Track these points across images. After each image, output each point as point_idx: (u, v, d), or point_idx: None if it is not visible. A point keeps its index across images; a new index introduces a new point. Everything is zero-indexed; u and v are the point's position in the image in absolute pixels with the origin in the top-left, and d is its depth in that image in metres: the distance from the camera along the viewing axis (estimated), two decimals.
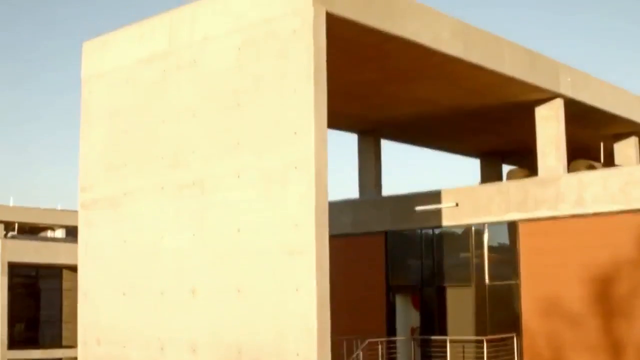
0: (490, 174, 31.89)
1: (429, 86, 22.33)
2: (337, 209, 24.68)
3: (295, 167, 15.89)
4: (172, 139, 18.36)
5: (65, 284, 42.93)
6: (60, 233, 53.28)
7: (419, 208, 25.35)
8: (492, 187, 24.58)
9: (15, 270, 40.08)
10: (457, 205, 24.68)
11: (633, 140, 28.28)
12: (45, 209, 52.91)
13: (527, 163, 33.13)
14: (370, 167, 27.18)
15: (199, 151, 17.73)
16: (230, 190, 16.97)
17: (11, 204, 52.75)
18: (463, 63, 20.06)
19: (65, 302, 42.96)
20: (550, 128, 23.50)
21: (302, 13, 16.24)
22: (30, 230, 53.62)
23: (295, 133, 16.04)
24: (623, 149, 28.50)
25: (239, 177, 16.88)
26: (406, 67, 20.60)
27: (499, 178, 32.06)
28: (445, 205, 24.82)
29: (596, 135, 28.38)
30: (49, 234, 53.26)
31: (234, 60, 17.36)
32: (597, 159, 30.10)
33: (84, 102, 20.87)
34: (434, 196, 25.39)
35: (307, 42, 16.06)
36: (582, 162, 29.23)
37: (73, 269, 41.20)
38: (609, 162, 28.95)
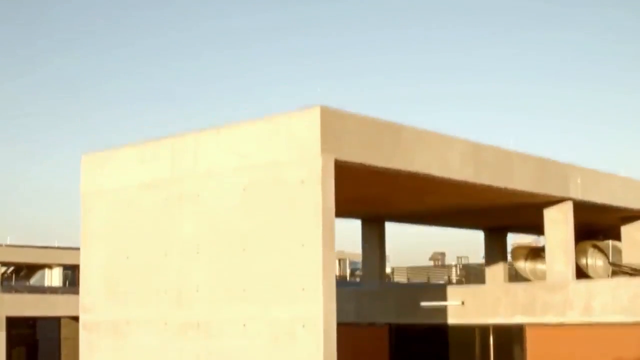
0: (494, 246, 31.52)
1: (436, 198, 21.99)
2: (341, 296, 24.25)
3: (303, 326, 15.52)
4: (175, 273, 17.94)
5: (64, 332, 42.59)
6: (57, 271, 52.81)
7: (424, 304, 24.94)
8: (499, 288, 24.20)
9: (14, 322, 39.70)
10: (463, 303, 24.28)
11: None
12: (41, 248, 52.46)
13: (533, 232, 32.80)
14: (374, 255, 26.79)
15: (204, 291, 17.31)
16: (237, 338, 16.58)
17: (8, 242, 52.27)
18: (473, 185, 19.67)
19: (63, 352, 42.63)
20: (558, 231, 23.10)
21: (309, 163, 15.81)
22: (28, 268, 53.18)
23: (303, 289, 15.66)
24: (630, 231, 28.07)
25: (245, 325, 16.49)
26: (414, 187, 20.20)
27: (504, 250, 31.75)
28: (451, 303, 24.43)
29: (603, 217, 28.00)
30: (46, 272, 52.77)
31: (239, 201, 16.93)
32: (604, 238, 29.84)
33: (83, 217, 20.44)
34: (440, 291, 25.03)
35: (315, 194, 15.64)
36: (587, 242, 28.94)
37: (71, 317, 41.03)
38: (614, 246, 28.63)
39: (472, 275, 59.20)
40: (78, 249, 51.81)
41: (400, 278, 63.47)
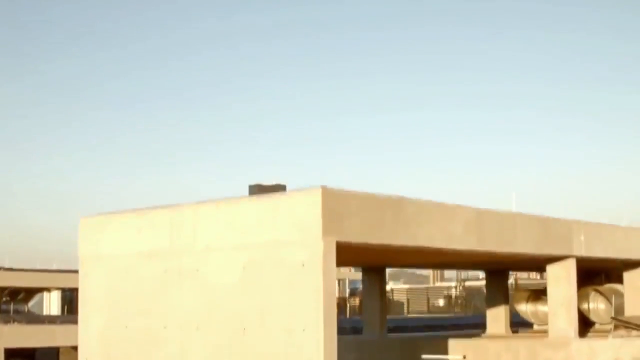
0: (495, 287, 31.28)
1: (439, 257, 21.81)
2: (342, 345, 24.06)
3: None
4: (176, 348, 17.71)
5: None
6: (55, 295, 52.62)
7: (425, 357, 24.72)
8: (500, 343, 23.97)
9: (12, 352, 39.48)
10: (464, 357, 24.07)
11: None
12: (39, 271, 52.25)
13: (534, 271, 32.55)
14: (375, 304, 26.55)
15: None
16: None
17: (6, 264, 52.05)
18: (475, 252, 19.48)
19: None
20: (561, 289, 22.90)
21: (310, 245, 15.58)
22: (26, 292, 52.97)
23: None
24: (633, 278, 27.83)
25: None
26: (416, 252, 19.98)
27: (505, 290, 31.52)
28: (453, 357, 24.20)
29: (605, 262, 27.77)
30: (45, 295, 52.56)
31: (239, 279, 16.70)
32: (606, 280, 29.65)
33: (81, 282, 20.23)
34: (441, 342, 24.78)
35: (316, 278, 15.42)
36: (589, 287, 28.76)
37: (71, 347, 40.86)
38: (616, 290, 28.39)
39: (473, 295, 59.19)
40: (76, 271, 51.53)
41: (399, 297, 63.34)
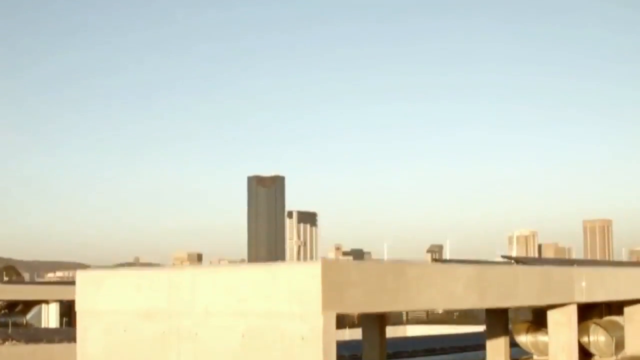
0: (495, 321, 31.05)
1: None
2: None
3: None
4: None
5: None
6: (54, 307, 52.55)
7: None
8: None
9: None
10: None
11: None
12: (37, 284, 52.19)
13: None
14: (374, 352, 26.34)
15: None
16: None
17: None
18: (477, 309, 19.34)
19: None
20: (562, 334, 22.80)
21: (310, 319, 15.43)
22: (24, 304, 52.90)
23: None
24: (633, 312, 27.72)
25: None
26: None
27: (505, 323, 31.29)
28: None
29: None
30: (43, 307, 52.48)
31: (239, 346, 16.56)
32: (606, 311, 29.49)
33: (79, 336, 20.11)
34: None
35: (316, 353, 15.29)
36: (589, 321, 28.63)
37: None
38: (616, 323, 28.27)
39: None
40: (74, 283, 51.23)
41: None
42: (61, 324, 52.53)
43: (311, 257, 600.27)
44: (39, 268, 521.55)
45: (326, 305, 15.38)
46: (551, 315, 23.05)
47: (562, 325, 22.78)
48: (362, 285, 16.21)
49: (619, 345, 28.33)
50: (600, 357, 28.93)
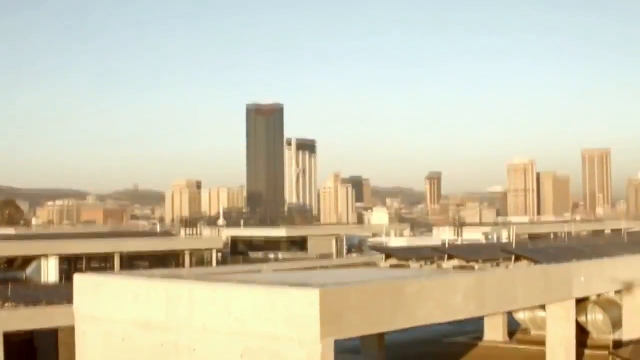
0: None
1: None
2: None
3: None
4: None
5: (61, 337, 42.44)
6: (53, 261, 52.68)
7: None
8: None
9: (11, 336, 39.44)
10: None
11: None
12: (38, 239, 52.39)
13: None
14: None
15: None
16: None
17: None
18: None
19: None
20: (560, 328, 22.78)
21: (309, 346, 15.36)
22: (23, 259, 53.01)
23: None
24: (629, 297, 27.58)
25: None
26: None
27: None
28: None
29: None
30: (42, 261, 52.59)
31: None
32: None
33: (78, 339, 20.09)
34: None
35: None
36: (587, 300, 28.68)
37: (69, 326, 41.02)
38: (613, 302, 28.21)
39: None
40: (73, 236, 51.52)
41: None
42: (60, 278, 52.68)
43: (310, 186, 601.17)
44: (38, 196, 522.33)
45: (324, 333, 15.29)
46: (549, 309, 23.00)
47: (561, 319, 22.76)
48: (360, 308, 16.09)
49: (616, 324, 28.37)
50: (597, 335, 29.03)
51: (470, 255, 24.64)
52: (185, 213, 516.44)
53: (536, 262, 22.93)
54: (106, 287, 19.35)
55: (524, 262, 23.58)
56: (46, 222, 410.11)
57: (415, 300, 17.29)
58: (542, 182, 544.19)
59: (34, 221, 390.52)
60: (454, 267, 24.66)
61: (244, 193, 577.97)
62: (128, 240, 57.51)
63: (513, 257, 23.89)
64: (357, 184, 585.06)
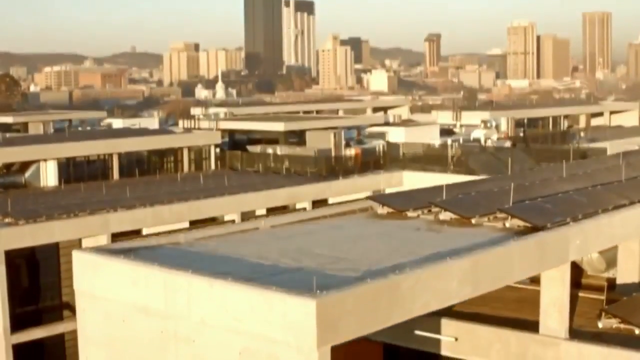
0: None
1: None
2: None
3: None
4: None
5: (62, 250, 43.03)
6: (52, 165, 52.77)
7: (418, 332, 25.22)
8: (492, 332, 24.36)
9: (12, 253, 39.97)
10: (456, 340, 24.59)
11: None
12: (34, 145, 52.47)
13: None
14: None
15: None
16: None
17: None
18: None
19: (63, 276, 43.22)
20: (554, 289, 23.03)
21: (306, 353, 15.64)
22: (22, 163, 53.07)
23: None
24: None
25: None
26: None
27: None
28: (445, 338, 24.73)
29: None
30: (41, 165, 52.67)
31: None
32: None
33: (79, 315, 20.43)
34: (435, 322, 25.21)
35: None
36: None
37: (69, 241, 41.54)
38: None
39: (469, 155, 59.19)
40: (71, 140, 51.41)
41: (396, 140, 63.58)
42: (60, 181, 52.93)
43: (309, 47, 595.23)
44: (35, 61, 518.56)
45: (321, 341, 15.54)
46: (544, 272, 23.20)
47: (555, 280, 22.97)
48: (357, 312, 16.29)
49: (611, 263, 28.72)
50: (592, 272, 29.45)
51: (468, 209, 24.62)
52: (184, 76, 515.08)
53: (532, 224, 22.94)
54: (105, 269, 19.50)
55: (518, 222, 23.61)
56: (44, 88, 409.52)
57: (411, 294, 17.47)
58: (542, 44, 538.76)
59: (32, 88, 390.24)
60: (451, 220, 24.73)
61: (242, 55, 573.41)
62: (126, 140, 57.38)
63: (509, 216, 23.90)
64: (356, 45, 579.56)
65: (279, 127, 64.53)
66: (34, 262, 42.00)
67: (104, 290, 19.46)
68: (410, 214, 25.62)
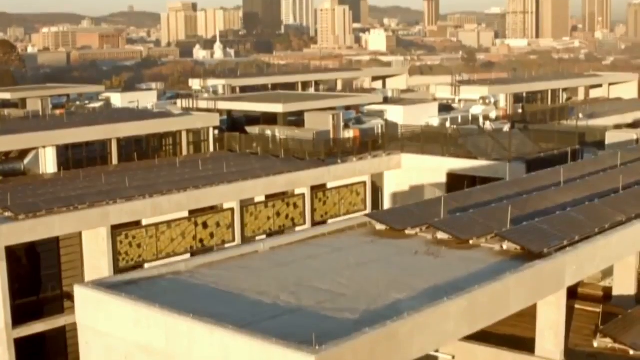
0: None
1: None
2: None
3: None
4: None
5: (63, 243, 43.30)
6: (50, 151, 52.80)
7: None
8: (490, 353, 24.70)
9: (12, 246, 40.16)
10: (453, 358, 24.91)
11: None
12: (32, 132, 52.53)
13: None
14: None
15: None
16: None
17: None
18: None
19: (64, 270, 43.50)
20: (551, 314, 23.33)
21: None
22: (21, 151, 53.08)
23: None
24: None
25: None
26: None
27: None
28: (443, 355, 25.03)
29: None
30: (40, 151, 52.71)
31: None
32: None
33: (82, 348, 20.69)
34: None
35: None
36: None
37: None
38: None
39: (467, 136, 59.24)
40: (70, 126, 51.25)
41: (395, 118, 63.67)
42: (59, 167, 53.00)
43: (307, 6, 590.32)
44: (33, 21, 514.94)
45: None
46: None
47: (551, 304, 23.24)
48: None
49: (608, 272, 28.90)
50: (588, 281, 29.70)
51: (466, 230, 24.80)
52: (182, 36, 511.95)
53: (528, 250, 23.14)
54: (107, 306, 19.70)
55: (513, 247, 23.84)
56: (42, 50, 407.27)
57: (409, 339, 17.74)
58: (542, 4, 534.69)
59: (29, 49, 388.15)
60: (449, 240, 24.92)
61: (240, 14, 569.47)
62: (125, 125, 57.37)
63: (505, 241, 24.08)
64: (354, 4, 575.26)
65: (277, 108, 64.47)
66: (34, 254, 42.23)
67: (107, 327, 19.70)
68: (408, 231, 25.81)
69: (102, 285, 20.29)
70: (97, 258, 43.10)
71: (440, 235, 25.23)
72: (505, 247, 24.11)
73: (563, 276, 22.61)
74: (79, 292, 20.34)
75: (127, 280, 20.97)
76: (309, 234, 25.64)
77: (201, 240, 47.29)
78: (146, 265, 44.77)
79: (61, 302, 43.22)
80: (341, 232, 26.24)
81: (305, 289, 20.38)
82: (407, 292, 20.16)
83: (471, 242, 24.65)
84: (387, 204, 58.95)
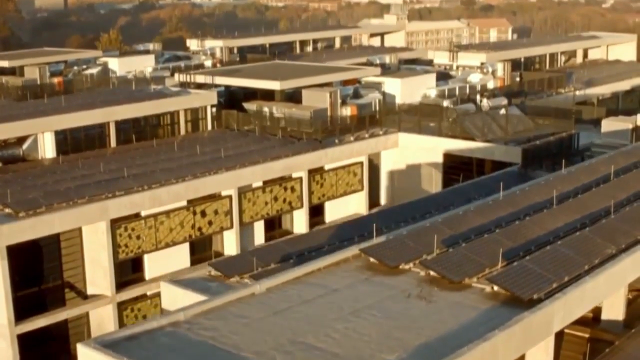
0: None
1: None
2: None
3: None
4: None
5: (63, 240, 43.93)
6: (49, 136, 53.17)
7: None
8: None
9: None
10: None
11: None
12: (30, 119, 52.85)
13: None
14: None
15: None
16: None
17: None
18: None
19: (64, 263, 44.21)
20: (539, 357, 23.98)
21: None
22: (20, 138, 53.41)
23: None
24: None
25: None
26: None
27: None
28: None
29: None
30: (39, 137, 53.06)
31: None
32: None
33: None
34: None
35: None
36: None
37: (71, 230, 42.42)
38: None
39: (465, 117, 59.59)
40: (68, 112, 51.83)
41: (393, 90, 63.78)
42: (58, 152, 53.42)
43: None
44: None
45: None
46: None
47: (539, 348, 23.87)
48: None
49: None
50: None
51: (457, 271, 25.41)
52: None
53: (517, 296, 23.77)
54: None
55: (502, 292, 24.45)
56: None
57: None
58: None
59: None
60: (440, 281, 25.52)
61: None
62: (123, 107, 57.61)
63: (493, 286, 24.68)
64: None
65: (274, 85, 64.72)
66: (35, 250, 42.85)
67: None
68: (402, 266, 26.47)
69: (103, 343, 20.87)
70: (97, 251, 43.90)
71: (434, 273, 25.84)
72: (496, 288, 24.71)
73: (552, 323, 23.22)
74: (82, 352, 20.95)
75: (128, 336, 21.58)
76: (304, 270, 26.21)
77: (200, 229, 48.05)
78: (145, 257, 45.62)
79: (62, 295, 44.11)
80: (336, 266, 26.82)
81: (299, 348, 21.02)
82: (398, 351, 20.81)
83: (464, 282, 25.29)
84: (383, 183, 59.68)
